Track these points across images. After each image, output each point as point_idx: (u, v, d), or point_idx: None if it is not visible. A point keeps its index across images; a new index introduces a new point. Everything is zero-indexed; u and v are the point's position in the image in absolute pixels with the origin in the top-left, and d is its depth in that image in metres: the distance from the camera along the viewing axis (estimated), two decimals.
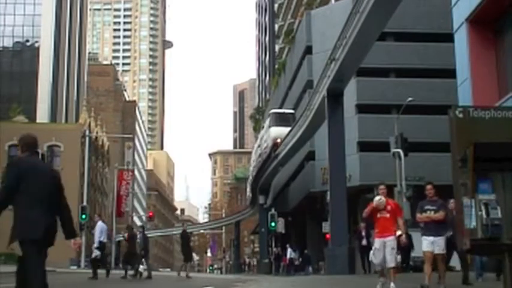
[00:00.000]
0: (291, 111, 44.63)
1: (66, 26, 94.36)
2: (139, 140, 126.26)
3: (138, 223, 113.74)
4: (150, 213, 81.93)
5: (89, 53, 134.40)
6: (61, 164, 55.53)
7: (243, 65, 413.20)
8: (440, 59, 36.37)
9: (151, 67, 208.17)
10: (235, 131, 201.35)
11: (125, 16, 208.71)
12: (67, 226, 6.46)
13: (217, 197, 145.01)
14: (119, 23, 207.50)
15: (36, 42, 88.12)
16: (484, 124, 7.87)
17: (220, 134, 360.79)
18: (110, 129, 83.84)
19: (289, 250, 39.74)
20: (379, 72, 39.85)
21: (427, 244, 10.71)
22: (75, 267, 44.49)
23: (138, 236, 21.88)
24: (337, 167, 27.99)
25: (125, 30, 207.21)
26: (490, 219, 7.50)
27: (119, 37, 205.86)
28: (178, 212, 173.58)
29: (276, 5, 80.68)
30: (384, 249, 10.91)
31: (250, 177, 61.19)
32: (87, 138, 51.47)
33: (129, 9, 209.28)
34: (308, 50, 44.20)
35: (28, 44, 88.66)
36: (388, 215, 10.98)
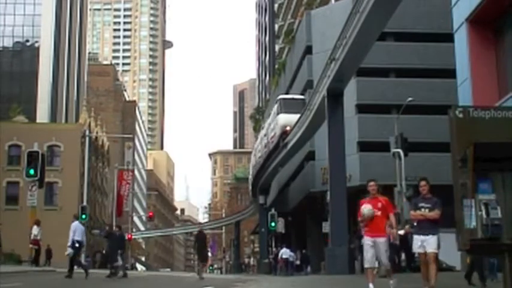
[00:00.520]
0: (301, 96, 41.14)
1: (66, 26, 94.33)
2: (139, 140, 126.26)
3: (138, 223, 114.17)
4: (150, 213, 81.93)
5: (89, 53, 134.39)
6: (61, 164, 55.58)
7: (243, 65, 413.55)
8: (440, 59, 36.38)
9: (151, 67, 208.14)
10: (235, 131, 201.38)
11: (125, 16, 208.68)
12: None
13: (217, 197, 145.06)
14: (119, 23, 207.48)
15: (36, 42, 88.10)
16: (484, 124, 7.87)
17: (220, 134, 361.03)
18: (110, 129, 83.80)
19: (283, 250, 39.72)
20: (379, 72, 39.86)
21: (418, 245, 10.12)
22: (75, 267, 44.42)
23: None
24: (337, 167, 28.00)
25: (125, 30, 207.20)
26: (490, 219, 7.51)
27: (119, 37, 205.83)
28: (178, 212, 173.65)
29: (276, 5, 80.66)
30: (375, 248, 10.48)
31: (252, 171, 59.03)
32: (87, 138, 51.43)
33: (129, 9, 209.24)
34: (308, 50, 44.20)
35: (28, 44, 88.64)
36: (379, 213, 10.50)
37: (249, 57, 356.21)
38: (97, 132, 64.52)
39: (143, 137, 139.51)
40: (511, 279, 7.68)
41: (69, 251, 19.73)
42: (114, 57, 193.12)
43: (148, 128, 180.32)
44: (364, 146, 38.92)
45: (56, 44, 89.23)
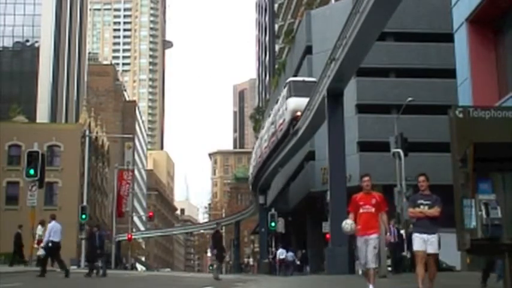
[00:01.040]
0: (313, 79, 36.64)
1: (66, 26, 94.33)
2: (139, 140, 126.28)
3: (138, 223, 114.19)
4: (150, 213, 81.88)
5: (89, 53, 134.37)
6: (61, 164, 55.58)
7: (243, 65, 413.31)
8: (440, 59, 36.40)
9: (151, 67, 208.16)
10: (235, 131, 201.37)
11: (125, 16, 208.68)
12: None
13: (217, 197, 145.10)
14: (119, 23, 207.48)
15: (36, 42, 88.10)
16: (484, 124, 7.88)
17: (220, 134, 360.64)
18: (110, 129, 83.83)
19: (279, 251, 39.72)
20: (379, 72, 39.87)
21: (419, 243, 9.46)
22: (75, 267, 44.47)
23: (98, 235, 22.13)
24: (337, 167, 27.98)
25: (125, 30, 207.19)
26: (490, 219, 7.51)
27: (119, 37, 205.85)
28: (178, 212, 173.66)
29: (276, 5, 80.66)
30: (366, 247, 9.94)
31: (253, 163, 57.43)
32: (87, 138, 51.43)
33: (129, 9, 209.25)
34: (308, 50, 44.19)
35: (28, 44, 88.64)
36: (373, 210, 9.95)
37: (249, 57, 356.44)
38: (97, 132, 64.52)
39: (143, 137, 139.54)
40: (511, 279, 7.68)
41: (42, 251, 19.79)
42: (114, 57, 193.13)
43: (148, 128, 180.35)
44: (364, 146, 38.92)
45: (56, 44, 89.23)
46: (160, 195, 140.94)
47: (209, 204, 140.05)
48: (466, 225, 7.63)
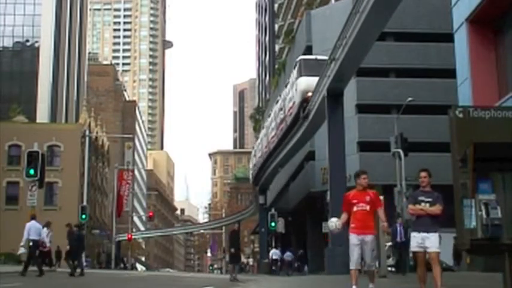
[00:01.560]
0: (325, 57, 31.36)
1: (66, 26, 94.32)
2: (139, 140, 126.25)
3: (138, 223, 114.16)
4: (150, 213, 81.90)
5: (89, 53, 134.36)
6: (61, 164, 55.58)
7: (243, 65, 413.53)
8: (440, 59, 36.39)
9: (151, 67, 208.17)
10: (235, 131, 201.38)
11: (125, 16, 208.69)
12: None
13: (217, 197, 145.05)
14: (119, 23, 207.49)
15: (36, 42, 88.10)
16: (484, 124, 7.87)
17: (220, 134, 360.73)
18: (110, 129, 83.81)
19: (272, 251, 39.70)
20: (379, 72, 39.87)
21: (418, 242, 8.99)
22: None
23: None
24: (337, 167, 27.95)
25: (125, 30, 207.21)
26: (490, 219, 7.51)
27: (119, 37, 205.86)
28: (178, 212, 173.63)
29: (276, 5, 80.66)
30: (362, 247, 9.67)
31: (253, 154, 55.86)
32: (87, 138, 51.48)
33: (129, 9, 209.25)
34: (308, 50, 44.16)
35: (28, 44, 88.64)
36: (368, 208, 9.57)
37: (249, 57, 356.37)
38: (97, 132, 64.52)
39: (143, 137, 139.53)
40: (511, 279, 7.68)
41: (22, 250, 19.81)
42: (114, 57, 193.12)
43: (148, 128, 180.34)
44: (364, 146, 38.92)
45: (56, 44, 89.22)
46: (160, 195, 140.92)
47: (209, 204, 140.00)
48: (466, 225, 7.62)
